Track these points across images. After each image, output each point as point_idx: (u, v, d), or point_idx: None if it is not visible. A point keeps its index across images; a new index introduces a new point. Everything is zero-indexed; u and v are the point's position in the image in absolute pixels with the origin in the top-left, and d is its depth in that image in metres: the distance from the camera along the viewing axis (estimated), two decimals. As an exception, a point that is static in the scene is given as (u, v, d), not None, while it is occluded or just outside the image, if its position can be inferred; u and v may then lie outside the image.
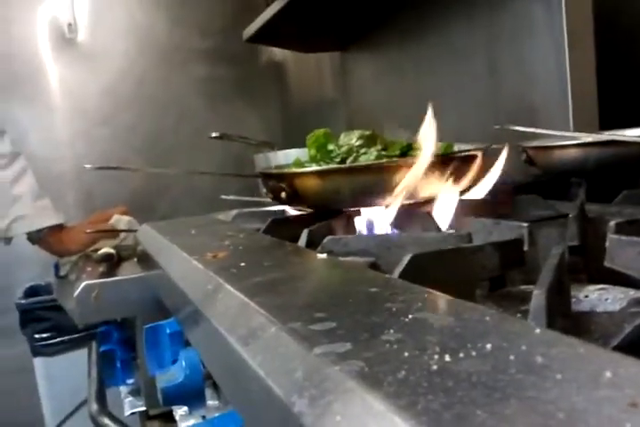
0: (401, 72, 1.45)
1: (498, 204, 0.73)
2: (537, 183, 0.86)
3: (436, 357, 0.22)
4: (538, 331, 0.24)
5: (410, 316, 0.27)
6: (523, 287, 0.48)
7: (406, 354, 0.23)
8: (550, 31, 0.93)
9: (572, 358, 0.21)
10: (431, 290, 0.32)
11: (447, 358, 0.22)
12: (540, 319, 0.30)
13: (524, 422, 0.17)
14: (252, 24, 1.57)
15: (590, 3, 0.89)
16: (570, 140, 0.78)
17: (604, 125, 0.89)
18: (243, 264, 0.46)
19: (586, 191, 0.71)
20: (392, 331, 0.26)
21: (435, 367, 0.21)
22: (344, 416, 0.20)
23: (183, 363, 0.60)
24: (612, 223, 0.47)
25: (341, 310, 0.30)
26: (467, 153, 0.72)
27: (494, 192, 0.75)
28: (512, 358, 0.21)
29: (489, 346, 0.23)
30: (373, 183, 0.67)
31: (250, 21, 1.59)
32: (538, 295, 0.31)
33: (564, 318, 0.35)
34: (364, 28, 1.57)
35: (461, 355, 0.22)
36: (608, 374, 0.19)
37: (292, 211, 0.84)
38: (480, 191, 0.73)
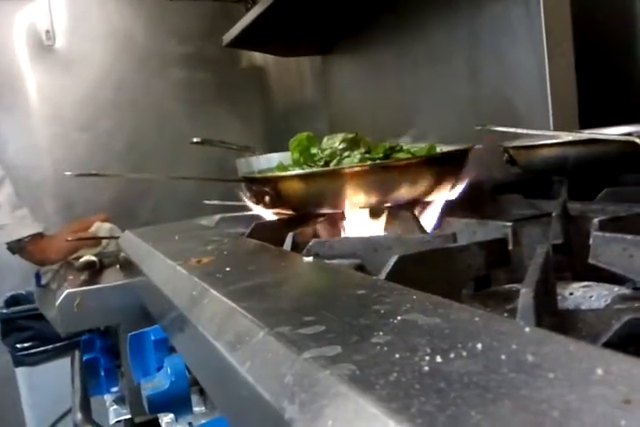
0: (382, 74, 1.46)
1: (480, 203, 0.74)
2: (519, 182, 0.87)
3: (427, 358, 0.22)
4: (527, 330, 0.24)
5: (398, 317, 0.27)
6: (508, 286, 0.48)
7: (397, 356, 0.23)
8: (529, 32, 0.93)
9: (562, 356, 0.21)
10: (419, 291, 0.32)
11: (438, 359, 0.22)
12: (529, 318, 0.30)
13: (519, 422, 0.17)
14: (232, 29, 1.56)
15: (568, 3, 0.90)
16: (550, 139, 0.79)
17: (584, 124, 0.89)
18: (228, 269, 0.46)
19: (568, 189, 0.72)
20: (381, 333, 0.25)
21: (426, 369, 0.21)
22: (336, 421, 0.20)
23: (168, 370, 0.59)
24: (596, 221, 0.47)
25: (329, 313, 0.30)
26: (449, 154, 0.73)
27: (476, 192, 0.76)
28: (503, 357, 0.21)
29: (479, 346, 0.22)
30: (357, 186, 0.67)
31: (229, 26, 1.58)
32: (525, 294, 0.31)
33: (552, 317, 0.35)
34: (344, 31, 1.58)
35: (452, 356, 0.22)
36: (600, 371, 0.19)
37: (268, 216, 0.83)
38: (459, 190, 0.74)
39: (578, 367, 0.20)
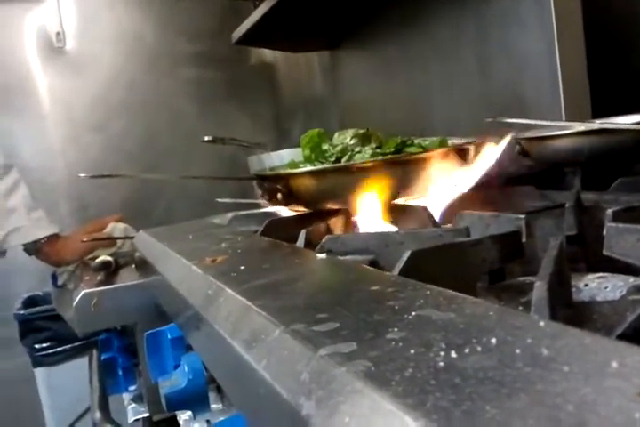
0: (391, 68, 1.45)
1: (493, 196, 0.73)
2: (532, 174, 0.86)
3: (442, 353, 0.22)
4: (542, 323, 0.24)
5: (413, 313, 0.27)
6: (522, 279, 0.48)
7: (412, 352, 0.23)
8: (539, 22, 0.93)
9: (577, 349, 0.21)
10: (432, 286, 0.32)
11: (453, 354, 0.22)
12: (543, 311, 0.30)
13: (534, 416, 0.17)
14: (241, 26, 1.56)
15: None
16: (563, 129, 0.78)
17: (597, 113, 0.89)
18: (242, 267, 0.46)
19: (581, 180, 0.72)
20: (396, 329, 0.25)
21: (441, 364, 0.21)
22: (353, 417, 0.20)
23: (185, 368, 0.59)
24: (609, 211, 0.47)
25: (344, 310, 0.30)
26: (462, 147, 0.72)
27: (489, 184, 0.75)
28: (518, 351, 0.21)
29: (494, 341, 0.23)
30: (369, 181, 0.67)
31: (238, 24, 1.58)
32: (539, 287, 0.31)
33: (566, 309, 0.35)
34: (352, 26, 1.57)
35: (467, 351, 0.22)
36: (614, 364, 0.19)
37: (281, 213, 0.84)
38: (471, 183, 0.73)
39: (592, 360, 0.20)
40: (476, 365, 0.21)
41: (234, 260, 0.52)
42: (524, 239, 0.49)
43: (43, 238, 1.22)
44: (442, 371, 0.21)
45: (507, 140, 0.69)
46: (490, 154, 0.70)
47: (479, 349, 0.22)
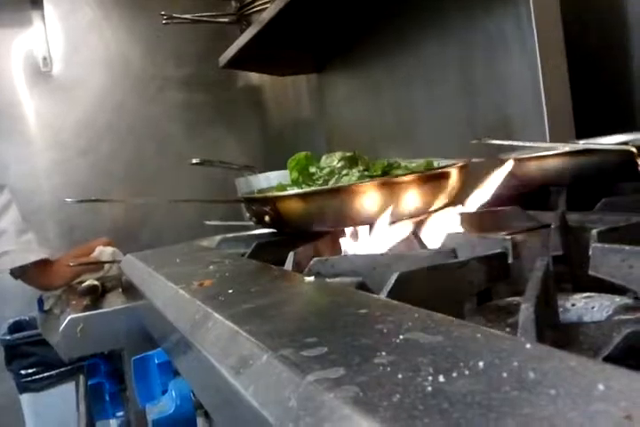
0: (377, 91, 1.47)
1: (479, 216, 0.74)
2: (517, 195, 0.87)
3: (430, 378, 0.22)
4: (529, 346, 0.24)
5: (401, 336, 0.27)
6: (509, 299, 0.48)
7: (400, 376, 0.23)
8: (522, 46, 0.94)
9: (564, 372, 0.21)
10: (420, 309, 0.32)
11: (441, 378, 0.22)
12: (530, 333, 0.30)
13: (522, 441, 0.17)
14: (227, 51, 1.58)
15: (559, 17, 0.91)
16: (547, 150, 0.79)
17: (580, 134, 0.90)
18: (230, 291, 0.46)
19: (566, 200, 0.72)
20: (384, 353, 0.25)
21: (429, 389, 0.21)
22: (341, 444, 0.20)
23: (173, 393, 0.59)
24: (594, 232, 0.47)
25: (332, 334, 0.30)
26: (447, 168, 0.73)
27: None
28: (505, 375, 0.21)
29: (481, 364, 0.23)
30: (356, 204, 0.67)
31: (225, 47, 1.60)
32: (525, 309, 0.31)
33: (553, 330, 0.35)
34: (338, 49, 1.59)
35: (455, 374, 0.22)
36: (601, 386, 0.19)
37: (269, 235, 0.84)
38: (475, 204, 0.74)
39: (579, 383, 0.20)
40: (464, 389, 0.21)
41: (221, 283, 0.51)
42: (510, 260, 0.49)
43: (31, 263, 1.21)
44: (430, 396, 0.21)
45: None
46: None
47: (467, 372, 0.22)
